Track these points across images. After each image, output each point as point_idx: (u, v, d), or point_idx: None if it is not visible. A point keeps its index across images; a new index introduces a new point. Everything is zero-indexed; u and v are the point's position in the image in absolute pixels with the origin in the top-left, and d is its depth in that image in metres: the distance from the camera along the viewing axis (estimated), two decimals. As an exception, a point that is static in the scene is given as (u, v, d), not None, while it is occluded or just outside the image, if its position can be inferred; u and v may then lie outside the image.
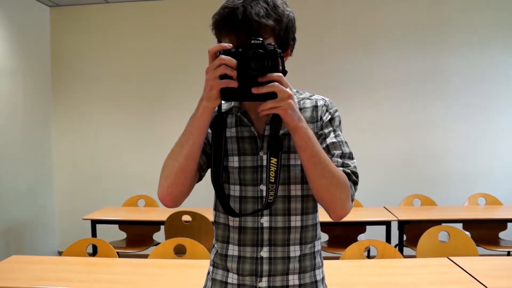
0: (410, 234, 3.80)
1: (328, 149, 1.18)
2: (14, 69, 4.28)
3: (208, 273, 1.31)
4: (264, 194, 1.17)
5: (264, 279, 1.19)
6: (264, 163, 1.17)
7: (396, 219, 3.53)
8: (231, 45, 1.01)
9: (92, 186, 4.92)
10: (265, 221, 1.18)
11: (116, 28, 4.90)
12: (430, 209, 3.97)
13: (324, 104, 1.23)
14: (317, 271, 1.26)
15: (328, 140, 1.19)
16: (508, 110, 4.65)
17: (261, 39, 0.99)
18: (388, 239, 3.53)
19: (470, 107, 4.66)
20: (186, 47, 4.79)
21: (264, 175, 1.18)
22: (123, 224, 3.98)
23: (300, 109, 1.21)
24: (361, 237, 3.78)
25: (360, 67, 4.72)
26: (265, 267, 1.19)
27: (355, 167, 1.19)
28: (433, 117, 4.69)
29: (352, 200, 1.17)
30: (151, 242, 3.89)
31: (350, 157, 1.20)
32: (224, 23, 1.08)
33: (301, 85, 1.33)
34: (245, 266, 1.20)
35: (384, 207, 3.93)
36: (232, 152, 1.20)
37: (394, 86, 4.71)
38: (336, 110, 1.25)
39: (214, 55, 1.01)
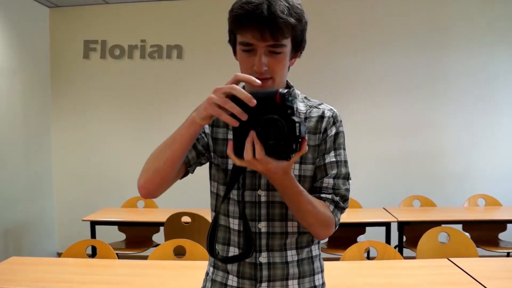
0: (410, 235, 3.79)
1: (324, 168, 1.19)
2: (13, 69, 4.27)
3: (207, 273, 1.30)
4: (263, 199, 1.18)
5: (264, 284, 1.19)
6: None
7: (395, 220, 3.52)
8: (254, 102, 0.91)
9: (92, 187, 4.91)
10: (262, 226, 1.18)
11: (115, 29, 4.89)
12: (430, 210, 3.96)
13: (331, 116, 1.22)
14: (316, 277, 1.26)
15: (327, 159, 1.19)
16: (508, 111, 4.65)
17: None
18: (388, 240, 3.53)
19: (470, 108, 4.66)
20: (189, 48, 4.78)
21: (263, 181, 1.18)
22: (122, 225, 3.98)
23: (306, 118, 1.21)
24: (360, 238, 3.77)
25: (360, 68, 4.71)
26: (265, 272, 1.19)
27: (346, 189, 1.20)
28: (433, 118, 4.69)
29: (336, 225, 1.19)
30: (150, 243, 3.88)
31: (345, 177, 1.21)
32: (248, 18, 1.05)
33: (301, 87, 1.32)
34: (245, 270, 1.20)
35: (384, 208, 3.92)
36: None
37: (393, 87, 4.71)
38: (342, 125, 1.24)
39: (236, 82, 0.96)
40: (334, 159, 1.19)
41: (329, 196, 1.17)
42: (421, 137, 4.71)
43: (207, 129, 1.23)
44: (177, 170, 1.12)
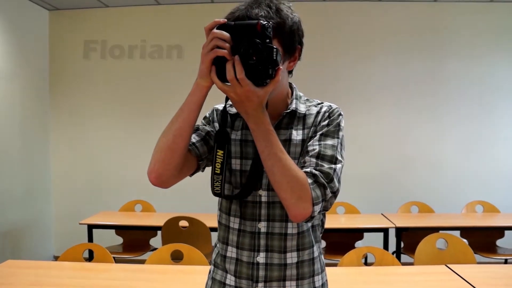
0: (407, 241, 3.79)
1: (306, 150, 1.15)
2: (13, 72, 4.27)
3: (210, 271, 1.32)
4: (263, 199, 1.19)
5: (260, 284, 1.19)
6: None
7: (393, 226, 3.52)
8: (225, 20, 1.03)
9: (89, 190, 4.89)
10: (262, 226, 1.19)
11: (115, 32, 4.89)
12: (428, 216, 3.96)
13: (327, 111, 1.22)
14: (316, 278, 1.25)
15: (311, 142, 1.15)
16: (506, 117, 4.66)
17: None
18: (386, 246, 3.52)
19: (468, 114, 4.67)
20: (186, 52, 4.79)
21: (264, 181, 1.18)
22: (119, 229, 3.96)
23: (305, 115, 1.22)
24: (358, 244, 3.77)
25: (358, 73, 4.73)
26: (261, 272, 1.19)
27: (331, 168, 1.10)
28: (431, 124, 4.70)
29: (316, 204, 1.06)
30: (147, 248, 3.87)
31: (331, 160, 1.11)
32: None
33: (300, 90, 1.33)
34: (242, 269, 1.21)
35: (382, 214, 3.92)
36: (235, 154, 1.21)
37: (392, 94, 4.72)
38: (338, 116, 1.20)
39: (209, 31, 1.02)
40: (317, 143, 1.14)
41: (308, 170, 1.09)
42: (420, 143, 4.71)
43: (213, 128, 1.26)
44: (186, 144, 1.12)
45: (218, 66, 1.00)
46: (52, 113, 4.94)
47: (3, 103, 4.14)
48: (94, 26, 4.91)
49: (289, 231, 1.20)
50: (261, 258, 1.19)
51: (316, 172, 1.08)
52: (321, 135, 1.16)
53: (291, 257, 1.20)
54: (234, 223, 1.22)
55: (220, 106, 1.29)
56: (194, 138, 1.20)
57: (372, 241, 3.29)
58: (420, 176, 4.71)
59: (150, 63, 4.85)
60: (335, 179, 1.10)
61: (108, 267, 2.48)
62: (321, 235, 1.31)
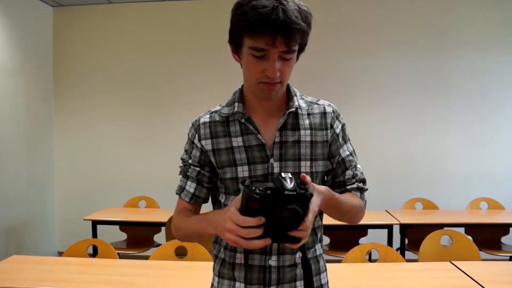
0: (412, 238, 3.78)
1: (343, 162, 1.26)
2: (17, 69, 4.28)
3: (212, 285, 1.29)
4: None
5: (273, 287, 1.19)
6: (275, 170, 1.17)
7: (398, 222, 3.51)
8: (263, 219, 0.92)
9: (93, 187, 4.90)
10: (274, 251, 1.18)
11: (119, 28, 4.89)
12: (432, 213, 3.95)
13: (333, 111, 1.26)
14: (322, 275, 1.26)
15: (343, 154, 1.26)
16: (511, 115, 4.64)
17: (294, 191, 0.91)
18: (390, 243, 3.52)
19: (473, 110, 4.64)
20: (190, 49, 4.78)
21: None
22: (123, 225, 3.97)
23: (309, 114, 1.23)
24: (362, 240, 3.76)
25: (363, 70, 4.70)
26: (274, 276, 1.18)
27: (362, 173, 1.29)
28: (435, 120, 4.67)
29: (365, 207, 1.28)
30: (151, 244, 3.87)
31: (357, 165, 1.29)
32: (263, 23, 1.02)
33: (302, 88, 1.32)
34: (253, 275, 1.19)
35: (386, 211, 3.91)
36: (241, 161, 1.18)
37: (396, 90, 4.69)
38: (343, 117, 1.30)
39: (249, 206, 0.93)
40: (348, 152, 1.27)
41: (354, 186, 1.25)
42: (424, 139, 4.69)
43: (208, 145, 1.22)
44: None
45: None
46: (56, 110, 4.95)
47: (7, 100, 4.15)
48: (98, 23, 4.91)
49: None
50: (273, 261, 1.18)
51: (360, 185, 1.27)
52: (345, 143, 1.29)
53: (299, 256, 1.20)
54: (241, 256, 1.20)
55: (204, 119, 1.25)
56: (191, 186, 1.25)
57: (376, 237, 3.29)
58: (425, 172, 4.69)
59: (154, 61, 4.84)
60: (365, 178, 1.30)
61: (112, 262, 2.48)
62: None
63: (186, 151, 1.29)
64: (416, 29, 4.66)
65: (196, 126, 1.24)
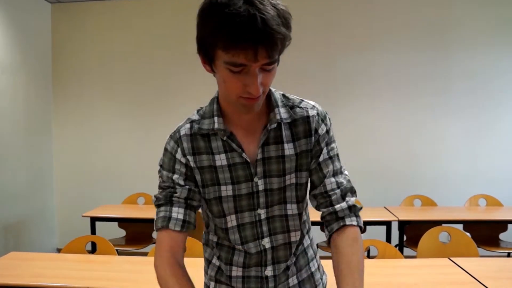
0: (410, 235, 3.79)
1: (320, 168, 1.15)
2: (15, 65, 4.27)
3: (207, 286, 1.28)
4: (263, 217, 1.15)
5: None
6: (260, 188, 1.12)
7: (396, 219, 3.51)
8: None
9: (92, 183, 4.90)
10: (266, 242, 1.17)
11: (118, 24, 4.88)
12: (431, 209, 3.95)
13: (317, 114, 1.15)
14: (311, 263, 1.26)
15: (321, 158, 1.15)
16: (510, 111, 4.64)
17: None
18: (389, 239, 3.52)
19: (472, 107, 4.64)
20: (189, 45, 4.76)
21: (261, 200, 1.14)
22: (122, 222, 3.97)
23: (295, 120, 1.13)
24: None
25: (361, 67, 4.70)
26: (271, 284, 1.19)
27: (348, 181, 1.18)
28: (434, 117, 4.67)
29: (362, 229, 1.17)
30: (150, 240, 3.88)
31: (342, 171, 1.18)
32: (241, 37, 0.87)
33: (299, 87, 1.31)
34: (250, 285, 1.19)
35: (385, 207, 3.92)
36: (225, 181, 1.12)
37: (395, 87, 4.69)
38: (329, 119, 1.18)
39: None
40: (326, 156, 1.16)
41: (346, 211, 1.13)
42: (423, 136, 4.69)
43: (191, 162, 1.12)
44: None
45: None
46: (54, 106, 4.95)
47: (6, 97, 4.14)
48: (96, 19, 4.90)
49: (292, 239, 1.19)
50: (269, 271, 1.18)
51: (351, 203, 1.15)
52: (327, 145, 1.16)
53: (291, 259, 1.21)
54: (237, 245, 1.19)
55: (184, 130, 1.14)
56: (179, 213, 1.11)
57: (375, 234, 3.29)
58: (424, 169, 4.70)
59: (153, 57, 4.83)
60: (353, 187, 1.18)
61: (111, 259, 2.48)
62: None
63: (163, 169, 1.15)
64: (415, 26, 4.66)
65: (177, 139, 1.13)
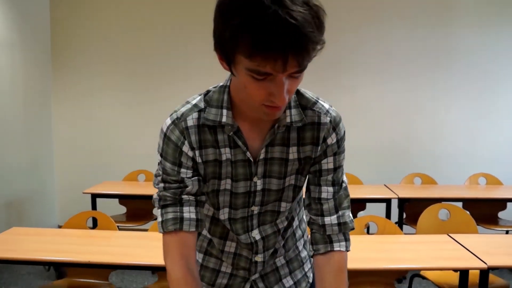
0: (410, 212, 3.80)
1: (320, 174, 1.08)
2: (13, 41, 4.22)
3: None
4: (255, 212, 1.12)
5: (257, 274, 1.21)
6: (258, 188, 1.07)
7: (396, 196, 3.53)
8: None
9: (93, 161, 4.90)
10: (256, 234, 1.15)
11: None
12: (431, 187, 3.96)
13: (330, 121, 1.05)
14: (298, 243, 1.26)
15: (324, 166, 1.07)
16: (509, 91, 4.61)
17: None
18: (388, 217, 3.54)
19: (474, 85, 4.62)
20: (189, 21, 4.71)
21: (257, 199, 1.10)
22: (123, 199, 3.99)
23: (305, 125, 1.04)
24: (360, 214, 3.79)
25: (362, 45, 4.65)
26: (259, 267, 1.20)
27: (346, 192, 1.12)
28: (435, 95, 4.65)
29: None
30: (151, 217, 3.90)
31: (342, 182, 1.11)
32: (269, 45, 0.75)
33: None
34: (240, 263, 1.19)
35: (385, 185, 3.92)
36: (226, 175, 1.06)
37: (396, 65, 4.65)
38: (343, 127, 1.08)
39: None
40: (331, 166, 1.08)
41: (335, 228, 1.08)
42: (424, 115, 4.67)
43: (198, 157, 1.03)
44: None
45: None
46: (54, 83, 4.91)
47: (5, 73, 4.10)
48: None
49: (280, 226, 1.18)
50: (259, 257, 1.18)
51: (339, 219, 1.09)
52: (334, 154, 1.07)
53: (279, 241, 1.20)
54: (231, 244, 1.18)
55: (191, 120, 1.02)
56: (191, 211, 1.03)
57: (375, 212, 3.29)
58: (424, 148, 4.70)
59: (154, 30, 4.77)
60: (349, 197, 1.12)
61: (111, 234, 2.50)
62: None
63: (166, 160, 1.03)
64: (417, 2, 4.59)
65: (183, 129, 1.01)
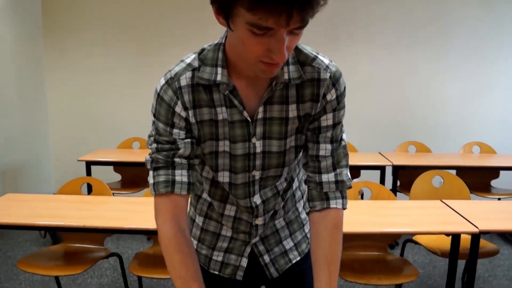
0: (404, 180, 3.83)
1: (318, 131, 1.06)
2: (4, 9, 4.12)
3: (193, 221, 1.26)
4: (256, 178, 1.10)
5: (257, 237, 1.21)
6: (258, 150, 1.05)
7: (390, 164, 3.54)
8: None
9: (87, 128, 4.87)
10: (257, 199, 1.14)
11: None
12: (425, 155, 3.98)
13: (330, 77, 1.02)
14: (298, 204, 1.26)
15: (323, 123, 1.05)
16: (506, 60, 4.59)
17: None
18: (382, 184, 3.56)
19: (469, 56, 4.59)
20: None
21: (258, 162, 1.07)
22: (117, 166, 3.99)
23: (304, 81, 1.01)
24: (355, 181, 3.80)
25: (357, 12, 4.58)
26: (260, 230, 1.19)
27: (345, 150, 1.10)
28: (431, 64, 4.62)
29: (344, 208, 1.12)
30: (146, 184, 3.90)
31: (341, 140, 1.09)
32: (276, 1, 0.73)
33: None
34: (240, 227, 1.19)
35: (379, 153, 3.94)
36: (224, 136, 1.03)
37: (392, 34, 4.60)
38: (343, 82, 1.05)
39: None
40: (330, 123, 1.05)
41: (332, 186, 1.08)
42: (420, 84, 4.65)
43: (192, 117, 1.01)
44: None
45: None
46: (46, 49, 4.82)
47: (-6, 39, 4.03)
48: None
49: (280, 188, 1.16)
50: (259, 221, 1.17)
51: (337, 177, 1.09)
52: (333, 110, 1.05)
53: (279, 202, 1.19)
54: (231, 207, 1.17)
55: (184, 80, 0.99)
56: (183, 175, 1.02)
57: (369, 179, 3.31)
58: (419, 117, 4.70)
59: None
60: (348, 156, 1.11)
61: (106, 199, 2.50)
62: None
63: (159, 120, 1.01)
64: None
65: (176, 89, 0.99)
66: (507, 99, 4.65)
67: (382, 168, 3.61)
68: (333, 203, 1.08)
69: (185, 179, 1.02)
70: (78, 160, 3.67)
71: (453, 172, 3.66)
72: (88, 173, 3.68)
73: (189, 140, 1.02)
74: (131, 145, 4.16)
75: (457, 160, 3.81)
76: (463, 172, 3.80)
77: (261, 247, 1.22)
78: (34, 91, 4.68)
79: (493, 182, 4.01)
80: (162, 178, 1.01)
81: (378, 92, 4.67)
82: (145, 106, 4.65)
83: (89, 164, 3.66)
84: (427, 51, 4.60)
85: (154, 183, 1.02)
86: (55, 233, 3.76)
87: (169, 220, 1.01)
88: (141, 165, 3.78)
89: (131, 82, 4.77)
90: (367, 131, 4.64)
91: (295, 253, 1.26)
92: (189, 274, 0.98)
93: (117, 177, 4.07)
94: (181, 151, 1.01)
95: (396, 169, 3.58)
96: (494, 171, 3.99)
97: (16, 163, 4.36)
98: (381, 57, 4.63)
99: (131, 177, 4.00)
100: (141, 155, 3.88)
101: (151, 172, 1.04)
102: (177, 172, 1.01)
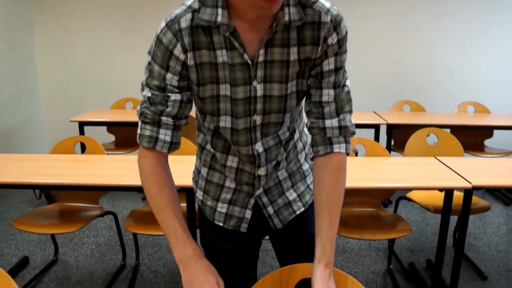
0: (398, 139, 3.84)
1: (321, 76, 1.05)
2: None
3: (199, 171, 1.27)
4: (258, 123, 1.09)
5: (261, 189, 1.21)
6: (259, 93, 1.04)
7: (385, 122, 3.54)
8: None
9: (79, 89, 4.79)
10: (259, 146, 1.13)
11: None
12: (419, 114, 3.98)
13: (331, 21, 1.00)
14: (299, 155, 1.26)
15: (325, 68, 1.04)
16: (501, 21, 4.52)
17: None
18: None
19: (463, 17, 4.51)
20: None
21: (258, 106, 1.06)
22: (111, 126, 3.96)
23: (304, 24, 0.99)
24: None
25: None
26: (263, 181, 1.20)
27: (348, 96, 1.09)
28: (427, 24, 4.55)
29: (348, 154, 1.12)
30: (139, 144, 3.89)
31: (343, 85, 1.08)
32: None
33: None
34: (243, 178, 1.19)
35: (374, 112, 3.93)
36: (225, 80, 1.02)
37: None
38: (344, 27, 1.03)
39: None
40: (332, 67, 1.04)
41: (335, 131, 1.08)
42: (415, 43, 4.60)
43: (191, 59, 1.00)
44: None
45: None
46: (35, 11, 4.69)
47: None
48: None
49: (282, 137, 1.17)
50: (262, 171, 1.17)
51: (340, 122, 1.08)
52: (335, 54, 1.03)
53: (281, 153, 1.20)
54: (234, 158, 1.18)
55: (184, 22, 0.97)
56: (166, 134, 1.07)
57: (363, 137, 3.32)
58: (415, 76, 4.66)
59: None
60: (351, 102, 1.10)
61: (100, 158, 2.49)
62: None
63: (155, 62, 1.00)
64: None
65: (176, 31, 0.97)
66: (503, 60, 4.62)
67: (376, 127, 3.61)
68: (336, 148, 1.09)
69: (168, 138, 1.06)
70: (71, 121, 3.63)
71: (448, 131, 3.68)
72: (82, 134, 3.65)
73: (179, 96, 1.03)
74: (124, 106, 4.12)
75: (452, 119, 3.81)
76: (457, 131, 3.81)
77: (265, 199, 1.22)
78: (24, 53, 4.58)
79: (487, 142, 4.03)
80: (147, 133, 1.06)
81: (374, 51, 4.61)
82: (138, 66, 4.58)
83: (82, 124, 3.62)
84: (424, 12, 4.52)
85: (140, 135, 1.08)
86: (49, 194, 3.77)
87: (151, 158, 1.09)
88: (135, 125, 3.75)
89: (122, 44, 4.67)
90: (362, 90, 4.60)
91: (299, 204, 1.27)
92: (164, 201, 1.07)
93: (111, 138, 4.05)
94: (168, 109, 1.03)
95: (391, 128, 3.58)
96: (488, 131, 4.00)
97: (8, 125, 4.31)
98: (378, 16, 4.54)
99: (125, 137, 3.98)
100: (134, 116, 3.84)
101: (139, 123, 1.09)
102: (162, 131, 1.05)
